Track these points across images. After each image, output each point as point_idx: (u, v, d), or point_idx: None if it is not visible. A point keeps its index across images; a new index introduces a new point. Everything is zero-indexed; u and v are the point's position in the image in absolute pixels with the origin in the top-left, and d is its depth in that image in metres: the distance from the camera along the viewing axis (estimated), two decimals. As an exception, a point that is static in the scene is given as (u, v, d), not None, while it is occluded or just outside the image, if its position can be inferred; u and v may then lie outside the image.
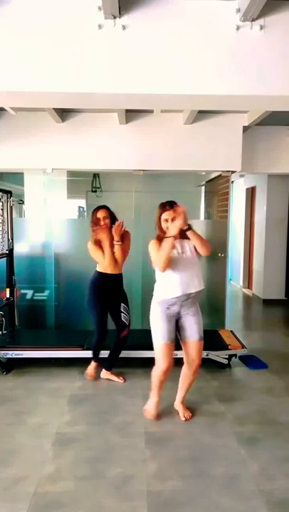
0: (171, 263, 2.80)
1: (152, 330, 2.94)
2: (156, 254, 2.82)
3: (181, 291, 2.81)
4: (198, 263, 2.94)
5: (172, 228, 2.74)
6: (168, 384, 3.41)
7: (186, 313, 2.91)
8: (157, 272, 2.92)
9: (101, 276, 3.59)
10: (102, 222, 3.49)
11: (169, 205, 2.84)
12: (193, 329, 2.92)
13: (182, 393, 3.13)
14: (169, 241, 2.73)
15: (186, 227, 2.77)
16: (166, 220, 2.82)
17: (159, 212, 2.88)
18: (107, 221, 3.51)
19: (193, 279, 2.85)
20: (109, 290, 3.60)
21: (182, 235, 2.83)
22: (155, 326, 2.91)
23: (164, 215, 2.83)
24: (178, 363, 3.08)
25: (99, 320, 3.60)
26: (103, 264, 3.55)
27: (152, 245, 2.89)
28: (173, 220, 2.78)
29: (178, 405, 3.14)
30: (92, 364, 3.75)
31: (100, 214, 3.51)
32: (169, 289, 2.84)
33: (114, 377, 3.72)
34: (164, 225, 2.84)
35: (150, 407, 3.10)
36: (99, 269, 3.60)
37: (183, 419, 3.05)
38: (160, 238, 2.85)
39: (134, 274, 4.66)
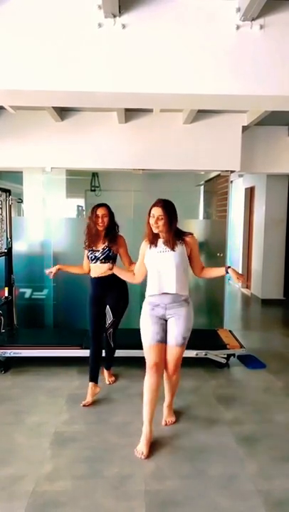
0: (143, 273, 2.94)
1: (141, 330, 2.89)
2: (138, 263, 2.97)
3: (158, 290, 2.80)
4: (183, 268, 2.81)
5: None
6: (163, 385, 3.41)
7: (173, 314, 2.82)
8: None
9: (90, 282, 3.50)
10: (100, 220, 3.37)
11: (159, 203, 2.81)
12: (173, 334, 2.80)
13: (167, 396, 3.01)
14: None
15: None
16: (153, 216, 2.79)
17: (152, 208, 2.84)
18: (106, 219, 3.39)
19: (169, 279, 2.77)
20: (99, 294, 3.45)
21: (177, 236, 2.81)
22: (143, 327, 2.87)
23: (152, 211, 2.80)
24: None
25: (90, 328, 3.49)
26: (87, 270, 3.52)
27: (141, 248, 2.95)
28: (157, 218, 2.75)
29: (164, 408, 3.03)
30: (89, 385, 3.38)
31: (100, 211, 3.38)
32: (150, 286, 2.86)
33: (106, 376, 3.70)
34: (151, 220, 2.80)
35: (140, 445, 2.67)
36: (90, 273, 3.50)
37: (163, 423, 2.97)
38: (148, 235, 2.86)
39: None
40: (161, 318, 2.84)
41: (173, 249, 2.78)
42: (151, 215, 2.80)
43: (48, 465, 2.49)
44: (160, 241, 2.83)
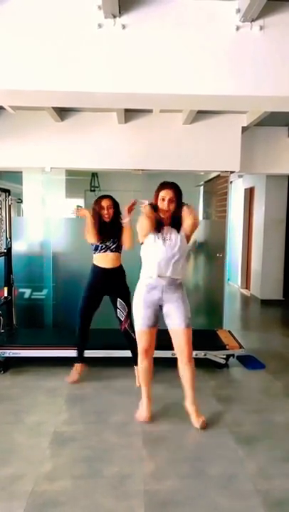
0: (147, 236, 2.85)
1: (133, 313, 2.99)
2: (140, 228, 2.87)
3: (157, 272, 2.81)
4: (184, 254, 2.87)
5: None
6: (164, 383, 3.42)
7: (169, 299, 2.86)
8: (141, 252, 2.94)
9: (95, 270, 3.57)
10: (105, 211, 3.45)
11: (170, 185, 2.80)
12: (177, 317, 2.85)
13: (188, 392, 2.96)
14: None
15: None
16: (163, 199, 2.77)
17: (158, 189, 2.83)
18: (111, 211, 3.48)
19: (171, 266, 2.80)
20: (102, 283, 3.55)
21: (173, 223, 2.84)
22: (135, 311, 2.95)
23: (162, 193, 2.79)
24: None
25: (81, 311, 3.61)
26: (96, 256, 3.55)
27: (139, 221, 2.88)
28: (169, 201, 2.76)
29: (189, 406, 2.97)
30: (77, 366, 3.69)
31: (105, 203, 3.47)
32: (147, 268, 2.87)
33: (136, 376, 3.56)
34: (160, 203, 2.79)
35: (141, 409, 3.04)
36: (94, 261, 3.57)
37: (197, 426, 2.87)
38: (151, 221, 2.80)
39: (133, 271, 4.67)
40: (156, 303, 2.89)
41: (178, 232, 2.82)
42: (160, 197, 2.78)
43: (47, 465, 2.49)
44: (165, 228, 2.83)
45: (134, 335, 3.43)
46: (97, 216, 3.48)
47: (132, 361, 3.59)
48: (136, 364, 3.50)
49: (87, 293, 3.60)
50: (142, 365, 3.01)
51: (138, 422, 2.98)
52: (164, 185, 2.81)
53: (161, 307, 2.92)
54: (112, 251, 3.53)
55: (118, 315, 3.59)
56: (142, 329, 2.93)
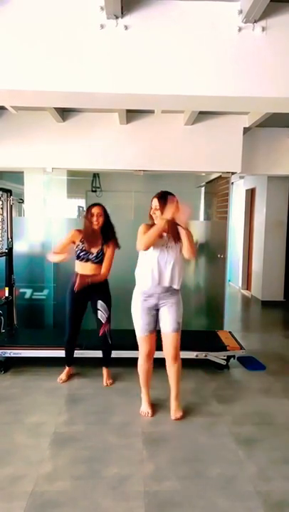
0: (153, 245, 2.85)
1: (133, 320, 3.06)
2: (143, 236, 2.86)
3: (154, 283, 2.90)
4: (180, 264, 2.95)
5: (166, 213, 2.77)
6: (163, 383, 3.41)
7: (164, 304, 2.98)
8: (138, 261, 3.01)
9: (76, 276, 3.47)
10: (95, 219, 3.39)
11: (158, 194, 2.91)
12: (167, 321, 2.97)
13: (173, 386, 3.09)
14: (161, 223, 2.79)
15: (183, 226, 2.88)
16: (157, 209, 2.87)
17: (152, 200, 2.94)
18: (101, 219, 3.42)
19: (169, 276, 2.90)
20: (86, 291, 3.45)
21: (173, 234, 2.90)
22: (134, 318, 3.05)
23: (155, 202, 2.90)
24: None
25: (69, 320, 3.63)
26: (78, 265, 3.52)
27: (141, 228, 2.93)
28: (155, 210, 2.88)
29: (172, 401, 3.12)
30: (66, 369, 3.78)
31: (95, 210, 3.41)
32: (144, 278, 2.94)
33: (104, 376, 3.68)
34: (152, 212, 2.92)
35: (143, 406, 3.16)
36: (76, 269, 3.52)
37: (172, 417, 3.04)
38: (151, 225, 2.91)
39: (130, 273, 4.66)
40: (153, 309, 3.00)
41: (176, 243, 2.90)
42: (154, 207, 2.91)
43: (47, 465, 2.49)
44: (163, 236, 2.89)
45: (111, 340, 3.57)
46: (89, 224, 3.42)
47: (103, 362, 3.71)
48: (106, 366, 3.71)
49: (70, 300, 3.59)
50: (144, 368, 3.10)
51: (142, 418, 3.09)
52: (157, 196, 2.92)
53: (157, 311, 3.03)
54: (93, 263, 3.46)
55: (99, 317, 3.53)
56: (143, 336, 3.03)
